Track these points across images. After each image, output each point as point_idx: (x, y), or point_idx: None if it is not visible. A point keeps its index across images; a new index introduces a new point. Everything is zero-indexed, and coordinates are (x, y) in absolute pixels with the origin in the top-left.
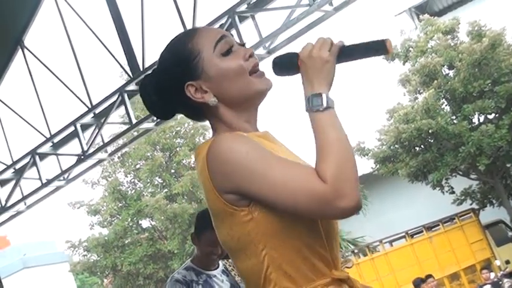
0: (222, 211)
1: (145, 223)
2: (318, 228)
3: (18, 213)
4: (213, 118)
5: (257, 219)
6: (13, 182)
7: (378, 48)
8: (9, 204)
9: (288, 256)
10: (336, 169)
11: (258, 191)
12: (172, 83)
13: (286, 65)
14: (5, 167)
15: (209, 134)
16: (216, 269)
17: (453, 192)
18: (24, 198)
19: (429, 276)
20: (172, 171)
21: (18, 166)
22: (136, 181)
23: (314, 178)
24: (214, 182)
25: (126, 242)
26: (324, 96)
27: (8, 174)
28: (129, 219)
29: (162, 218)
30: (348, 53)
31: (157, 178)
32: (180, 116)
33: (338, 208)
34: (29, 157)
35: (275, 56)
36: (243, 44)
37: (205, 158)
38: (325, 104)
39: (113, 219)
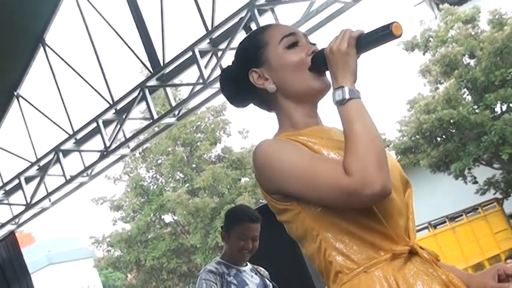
0: (274, 208)
1: (167, 218)
2: (370, 206)
3: (43, 210)
4: (276, 108)
5: (305, 209)
6: (37, 179)
7: (385, 33)
8: (34, 201)
9: (343, 238)
10: (359, 160)
11: (293, 191)
12: (240, 69)
13: (320, 61)
14: (30, 164)
15: (229, 128)
16: (245, 266)
17: (476, 182)
18: (48, 194)
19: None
20: (194, 165)
21: (42, 163)
22: (158, 176)
23: (339, 173)
24: (261, 183)
25: (149, 237)
26: (346, 88)
27: (33, 171)
28: (152, 214)
29: (184, 212)
30: (364, 42)
31: (178, 173)
32: (200, 111)
33: (366, 196)
34: (52, 154)
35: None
36: (314, 44)
37: (253, 163)
38: (347, 96)
39: (136, 214)
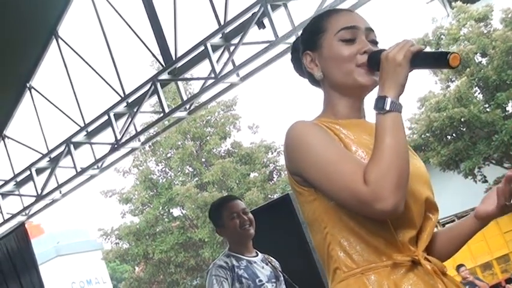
0: (294, 190)
1: (176, 211)
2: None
3: (54, 201)
4: (324, 91)
5: (320, 199)
6: (48, 171)
7: (442, 60)
8: (44, 192)
9: (348, 237)
10: (379, 173)
11: (312, 179)
12: (298, 48)
13: (375, 61)
14: (41, 156)
15: (239, 123)
16: (255, 256)
17: (486, 181)
18: (59, 186)
19: (461, 265)
20: (203, 160)
21: (53, 155)
22: (167, 170)
23: (358, 178)
24: (287, 162)
25: (158, 230)
26: (388, 99)
27: (44, 163)
28: (160, 208)
29: (193, 206)
30: (421, 59)
31: (188, 167)
32: (210, 105)
33: (375, 209)
34: (63, 146)
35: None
36: (375, 42)
37: (284, 140)
38: (387, 108)
39: (144, 207)
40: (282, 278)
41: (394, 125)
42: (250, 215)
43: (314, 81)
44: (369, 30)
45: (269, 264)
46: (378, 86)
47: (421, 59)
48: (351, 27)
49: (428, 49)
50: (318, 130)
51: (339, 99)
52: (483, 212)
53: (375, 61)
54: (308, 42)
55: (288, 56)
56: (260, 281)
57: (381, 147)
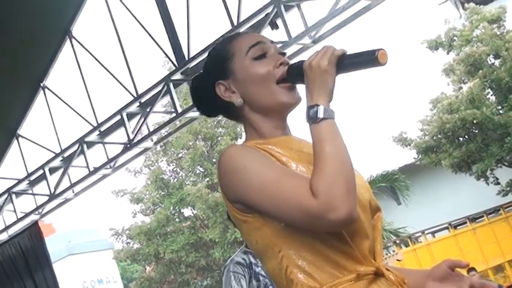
0: (236, 219)
1: (187, 212)
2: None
3: (66, 200)
4: (243, 120)
5: (269, 223)
6: (61, 170)
7: (369, 59)
8: (57, 191)
9: (306, 255)
10: (327, 183)
11: (257, 204)
12: (208, 82)
13: (297, 73)
14: (54, 155)
15: None
16: None
17: (498, 183)
18: (72, 186)
19: (471, 269)
20: (214, 160)
21: (66, 154)
22: (178, 170)
23: (305, 192)
24: (224, 191)
25: (168, 230)
26: (320, 107)
27: (57, 162)
28: (171, 208)
29: (204, 206)
30: (346, 63)
31: (199, 167)
32: None
33: (330, 221)
34: (77, 145)
35: (292, 62)
36: (283, 54)
37: (217, 168)
38: (321, 116)
39: (156, 207)
40: None
41: (331, 132)
42: None
43: (230, 113)
44: (273, 43)
45: None
46: (304, 99)
47: (347, 61)
48: (258, 43)
49: (440, 51)
50: (253, 152)
51: (262, 121)
52: None
53: (295, 74)
54: (217, 72)
55: (300, 56)
56: None
57: (322, 157)
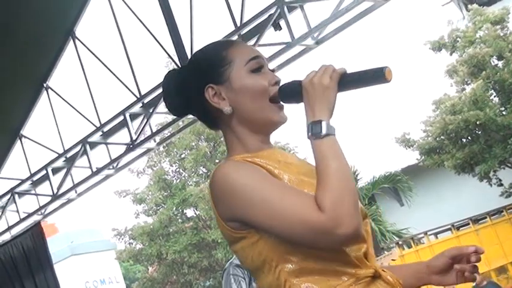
0: (230, 237)
1: (189, 212)
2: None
3: (69, 201)
4: (227, 129)
5: (264, 237)
6: (64, 171)
7: (376, 76)
8: (60, 192)
9: (304, 267)
10: (335, 198)
11: (258, 222)
12: (195, 82)
13: (291, 92)
14: (57, 155)
15: None
16: None
17: (501, 185)
18: (75, 186)
19: None
20: (217, 161)
21: (69, 155)
22: (181, 170)
23: (311, 208)
24: (218, 209)
25: (171, 230)
26: (323, 123)
27: (60, 162)
28: (174, 208)
29: (206, 207)
30: (349, 80)
31: (201, 168)
32: None
33: (337, 236)
34: (79, 146)
35: (282, 83)
36: (273, 70)
37: (209, 186)
38: (324, 132)
39: (158, 208)
40: None
41: (334, 148)
42: None
43: (210, 119)
44: (266, 60)
45: None
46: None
47: (349, 79)
48: (257, 57)
49: (443, 52)
50: (249, 167)
51: (249, 134)
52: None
53: (289, 93)
54: (210, 75)
55: (303, 57)
56: None
57: (328, 173)
